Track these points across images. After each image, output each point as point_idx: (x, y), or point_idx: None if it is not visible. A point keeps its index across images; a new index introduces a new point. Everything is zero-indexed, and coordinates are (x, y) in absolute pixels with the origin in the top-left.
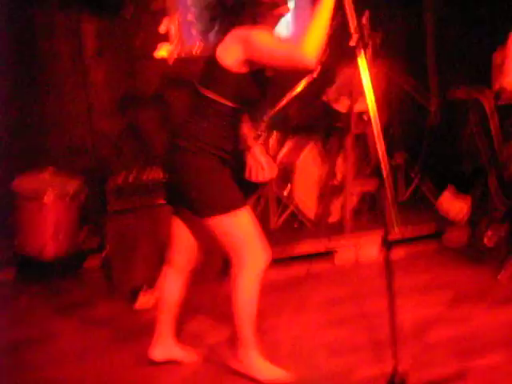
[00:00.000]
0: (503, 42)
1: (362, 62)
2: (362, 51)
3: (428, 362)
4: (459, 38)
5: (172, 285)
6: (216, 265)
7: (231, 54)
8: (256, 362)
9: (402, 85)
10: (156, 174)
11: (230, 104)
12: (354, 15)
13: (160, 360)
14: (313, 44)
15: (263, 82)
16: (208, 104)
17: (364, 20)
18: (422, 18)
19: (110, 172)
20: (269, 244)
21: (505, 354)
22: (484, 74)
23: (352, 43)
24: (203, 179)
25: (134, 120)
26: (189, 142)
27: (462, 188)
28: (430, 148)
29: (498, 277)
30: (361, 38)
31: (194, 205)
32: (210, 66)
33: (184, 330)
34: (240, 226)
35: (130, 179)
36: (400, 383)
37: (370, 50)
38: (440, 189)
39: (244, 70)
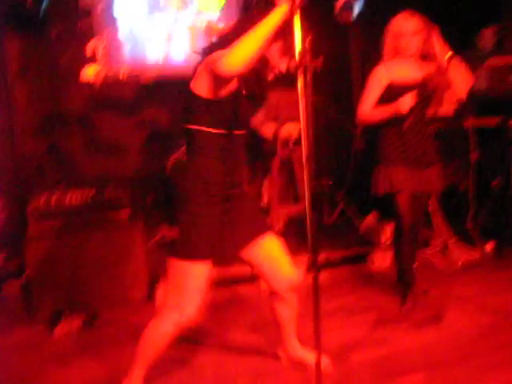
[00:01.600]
0: None
1: (301, 87)
2: (302, 75)
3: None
4: None
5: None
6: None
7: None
8: None
9: (328, 109)
10: (79, 197)
11: (213, 131)
12: (300, 39)
13: None
14: (237, 54)
15: (241, 102)
16: (194, 137)
17: (307, 44)
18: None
19: (32, 194)
20: None
21: (425, 374)
22: None
23: (292, 66)
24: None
25: (58, 141)
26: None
27: (386, 212)
28: (355, 172)
29: (403, 307)
30: (302, 62)
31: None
32: (187, 99)
33: None
34: (187, 276)
35: (52, 202)
36: None
37: (310, 74)
38: (365, 213)
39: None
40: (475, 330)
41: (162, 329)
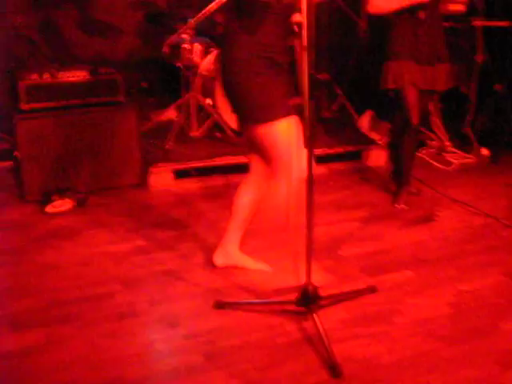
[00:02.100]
0: None
1: None
2: None
3: (340, 275)
4: None
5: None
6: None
7: None
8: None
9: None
10: (73, 76)
11: None
12: None
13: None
14: None
15: None
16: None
17: None
18: None
19: (24, 70)
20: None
21: (413, 270)
22: None
23: None
24: (252, 82)
25: (51, 18)
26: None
27: (385, 109)
28: (357, 67)
29: (395, 205)
30: None
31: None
32: None
33: None
34: (281, 137)
35: (45, 78)
36: (313, 294)
37: None
38: (363, 110)
39: None
40: (466, 230)
41: (288, 189)
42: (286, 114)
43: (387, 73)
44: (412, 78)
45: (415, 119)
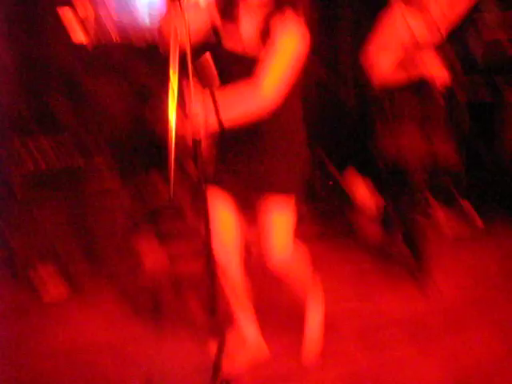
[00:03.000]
0: None
1: None
2: None
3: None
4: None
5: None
6: None
7: None
8: None
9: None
10: (63, 161)
11: None
12: None
13: None
14: None
15: None
16: None
17: None
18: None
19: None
20: None
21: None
22: None
23: None
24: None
25: (43, 99)
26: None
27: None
28: (347, 143)
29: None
30: None
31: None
32: None
33: None
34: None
35: (40, 166)
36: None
37: None
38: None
39: None
40: (459, 297)
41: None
42: None
43: (388, 141)
44: (415, 147)
45: (417, 187)
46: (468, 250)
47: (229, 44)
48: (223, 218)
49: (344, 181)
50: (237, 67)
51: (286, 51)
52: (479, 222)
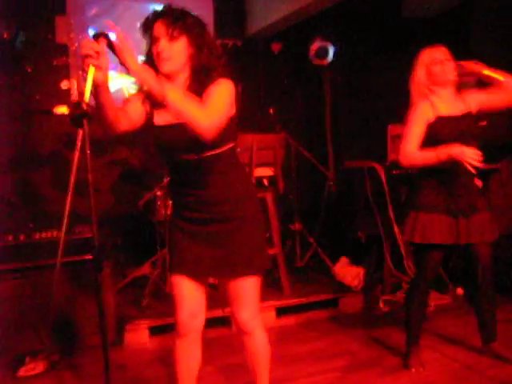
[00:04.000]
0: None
1: None
2: None
3: None
4: (357, 112)
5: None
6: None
7: None
8: None
9: (301, 154)
10: (47, 237)
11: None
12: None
13: None
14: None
15: None
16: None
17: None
18: (321, 92)
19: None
20: None
21: None
22: (378, 146)
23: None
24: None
25: (28, 178)
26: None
27: (358, 255)
28: (327, 216)
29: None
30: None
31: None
32: None
33: None
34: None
35: (20, 239)
36: None
37: None
38: (336, 256)
39: None
40: (443, 376)
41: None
42: None
43: (415, 225)
44: (443, 236)
45: (429, 279)
46: (448, 322)
47: (160, 119)
48: (187, 292)
49: (323, 253)
50: (173, 133)
51: (223, 90)
52: (459, 291)
